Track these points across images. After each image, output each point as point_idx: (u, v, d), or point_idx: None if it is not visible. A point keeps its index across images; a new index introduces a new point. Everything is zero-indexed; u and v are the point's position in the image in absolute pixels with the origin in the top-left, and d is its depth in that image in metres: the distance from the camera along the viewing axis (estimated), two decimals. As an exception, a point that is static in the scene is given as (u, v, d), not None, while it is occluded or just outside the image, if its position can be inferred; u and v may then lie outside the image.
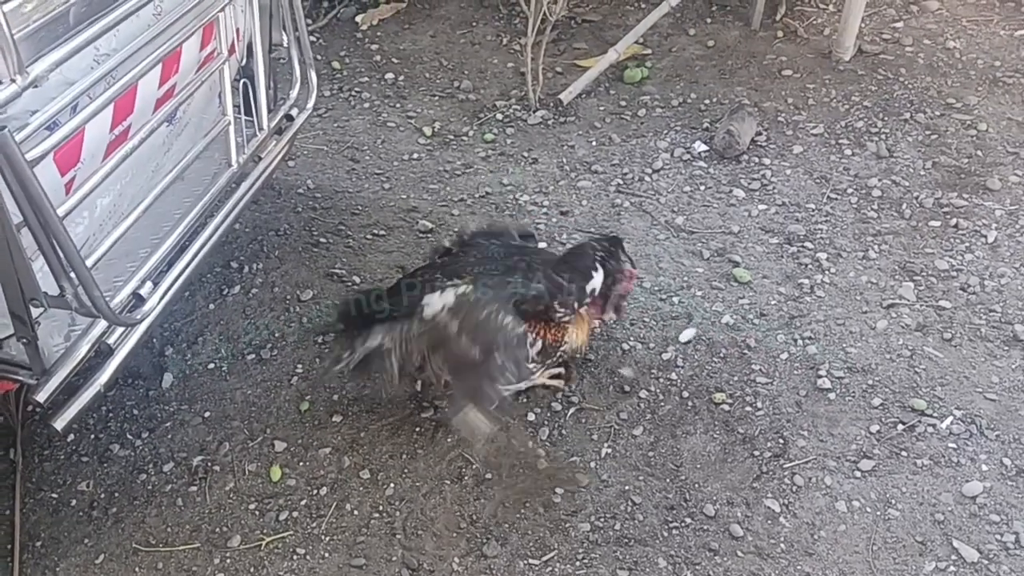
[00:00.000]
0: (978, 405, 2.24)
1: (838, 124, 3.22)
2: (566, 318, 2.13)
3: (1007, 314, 2.48)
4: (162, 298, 1.93)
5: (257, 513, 2.05)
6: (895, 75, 3.42)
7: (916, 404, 2.24)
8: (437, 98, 3.41)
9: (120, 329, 1.92)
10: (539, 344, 2.12)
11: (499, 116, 3.32)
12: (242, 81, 2.28)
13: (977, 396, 2.26)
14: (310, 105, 2.53)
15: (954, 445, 2.15)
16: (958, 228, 2.77)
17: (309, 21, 3.65)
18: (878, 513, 2.01)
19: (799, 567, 1.92)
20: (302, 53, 2.45)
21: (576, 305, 2.12)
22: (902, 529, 1.98)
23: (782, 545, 1.96)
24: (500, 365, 2.01)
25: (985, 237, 2.73)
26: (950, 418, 2.21)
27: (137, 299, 1.86)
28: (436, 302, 2.06)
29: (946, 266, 2.64)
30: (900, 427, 2.19)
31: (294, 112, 2.48)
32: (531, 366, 2.14)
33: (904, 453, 2.13)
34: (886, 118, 3.24)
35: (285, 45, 2.47)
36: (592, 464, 2.13)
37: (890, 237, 2.76)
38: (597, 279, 2.14)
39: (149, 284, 1.88)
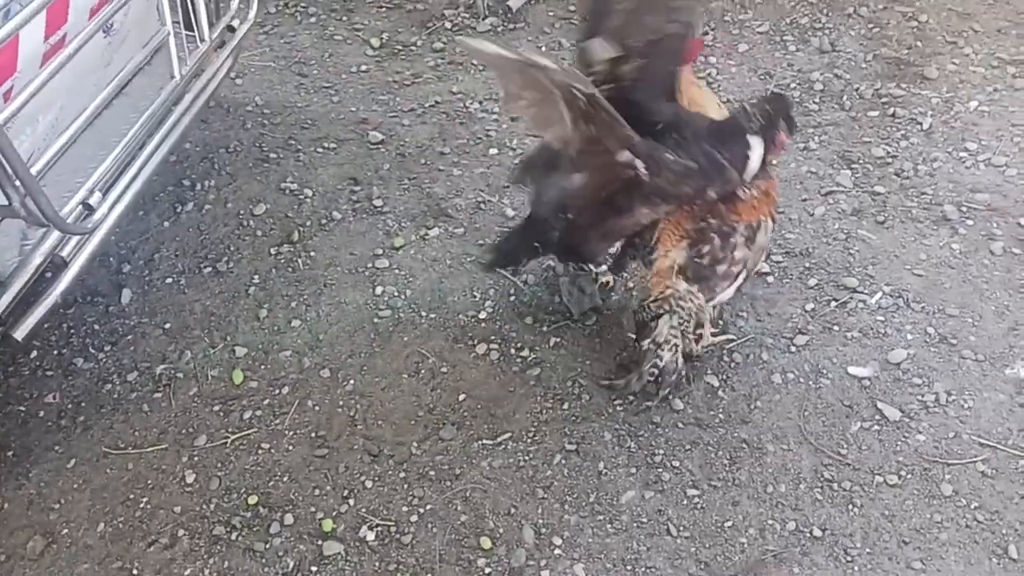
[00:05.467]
0: (906, 281, 2.35)
1: (783, 21, 3.26)
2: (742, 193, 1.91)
3: (938, 196, 2.57)
4: (112, 208, 1.97)
5: (221, 414, 2.13)
6: (840, -30, 3.44)
7: (848, 283, 2.34)
8: (384, 9, 3.39)
9: (73, 241, 1.96)
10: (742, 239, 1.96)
11: (448, 25, 3.31)
12: (180, -8, 2.27)
13: (906, 272, 2.37)
14: (251, 15, 2.52)
15: (882, 318, 2.26)
16: (895, 117, 2.84)
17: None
18: (810, 383, 2.13)
19: (736, 433, 2.04)
20: (240, -39, 2.44)
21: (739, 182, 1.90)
22: (832, 395, 2.10)
23: (720, 415, 2.08)
24: None
25: (920, 124, 2.81)
26: (879, 294, 2.32)
27: (87, 208, 1.90)
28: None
29: (882, 153, 2.72)
30: (833, 304, 2.30)
31: (235, 23, 2.48)
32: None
33: (836, 327, 2.25)
34: (830, 13, 3.27)
35: (222, -46, 2.45)
36: (540, 354, 2.22)
37: (830, 128, 2.83)
38: (756, 153, 1.88)
39: (98, 194, 1.92)
